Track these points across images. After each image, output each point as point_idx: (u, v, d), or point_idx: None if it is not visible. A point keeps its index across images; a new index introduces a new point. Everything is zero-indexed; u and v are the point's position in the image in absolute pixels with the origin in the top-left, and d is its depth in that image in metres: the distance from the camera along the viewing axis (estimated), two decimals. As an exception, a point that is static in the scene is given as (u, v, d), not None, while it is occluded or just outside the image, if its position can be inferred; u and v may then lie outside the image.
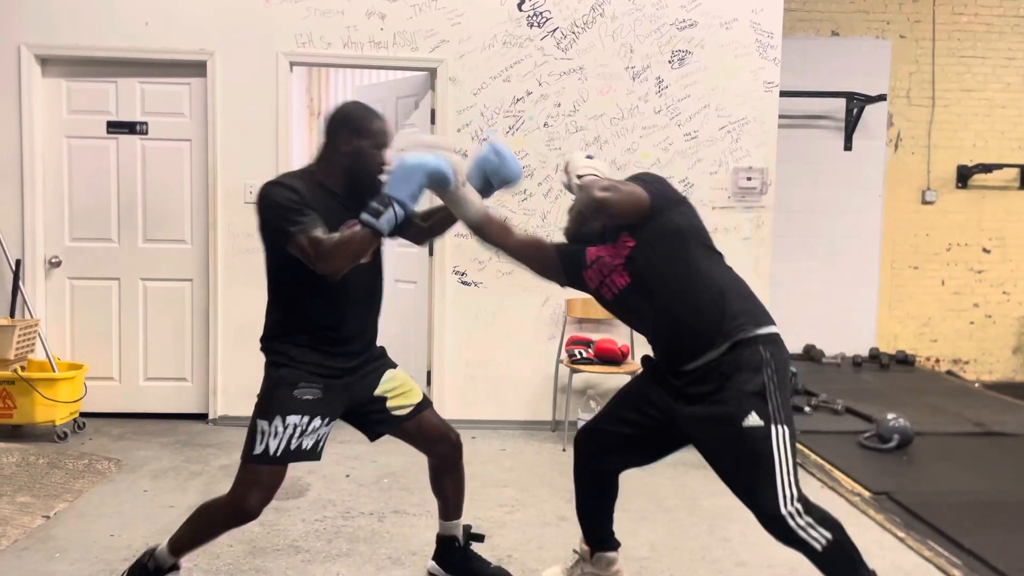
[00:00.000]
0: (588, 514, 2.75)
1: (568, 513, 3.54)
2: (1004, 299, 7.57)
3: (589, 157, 2.65)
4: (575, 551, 2.87)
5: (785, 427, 2.28)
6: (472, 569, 2.86)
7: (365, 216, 2.29)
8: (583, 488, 2.73)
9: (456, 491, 2.82)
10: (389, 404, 2.67)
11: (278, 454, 2.47)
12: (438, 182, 2.35)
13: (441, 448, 2.76)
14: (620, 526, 3.43)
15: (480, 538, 2.89)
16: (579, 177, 2.49)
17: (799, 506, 2.28)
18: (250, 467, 2.48)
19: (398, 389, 2.71)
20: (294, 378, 2.47)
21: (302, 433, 2.49)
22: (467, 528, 2.88)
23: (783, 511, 2.27)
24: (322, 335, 2.51)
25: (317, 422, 2.51)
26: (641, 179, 2.48)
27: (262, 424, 2.46)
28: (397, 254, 5.20)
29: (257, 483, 2.48)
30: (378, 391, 2.67)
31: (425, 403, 2.76)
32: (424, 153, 2.38)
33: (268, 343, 2.55)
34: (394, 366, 2.77)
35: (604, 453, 2.64)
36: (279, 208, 2.36)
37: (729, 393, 2.29)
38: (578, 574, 2.84)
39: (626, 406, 2.61)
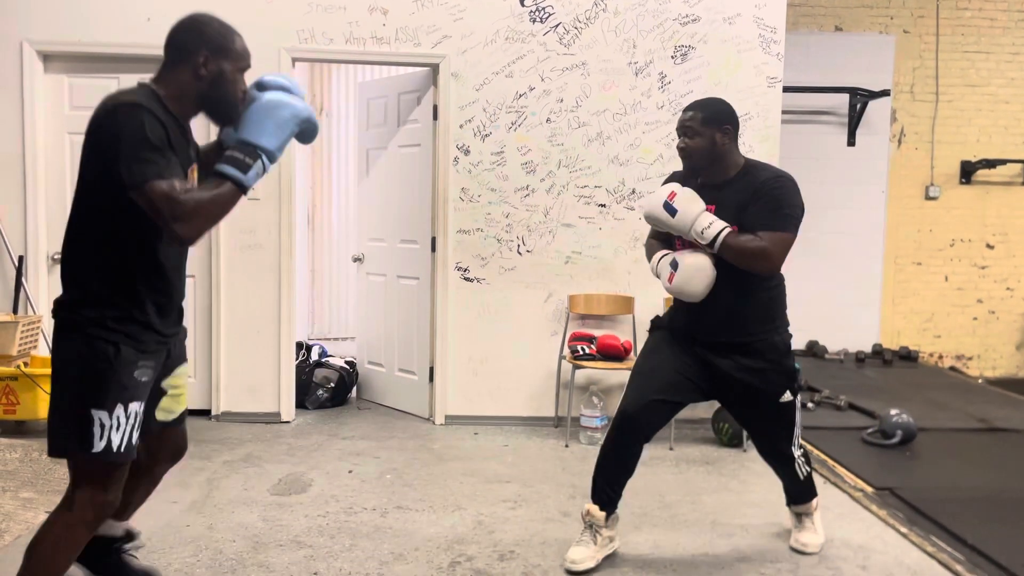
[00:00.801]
0: (619, 481, 3.01)
1: (571, 509, 3.55)
2: (1008, 295, 7.56)
3: (670, 194, 2.88)
4: (588, 523, 3.00)
5: (800, 396, 3.05)
6: (122, 568, 2.54)
7: (230, 170, 2.00)
8: (623, 462, 2.98)
9: (144, 497, 2.54)
10: (162, 403, 2.33)
11: (122, 450, 2.09)
12: (308, 134, 2.13)
13: (165, 464, 2.48)
14: (623, 521, 3.44)
15: (133, 536, 2.58)
16: (707, 237, 2.80)
17: (801, 448, 3.13)
18: (92, 467, 2.08)
19: (179, 389, 2.37)
20: (133, 357, 2.08)
21: (138, 422, 2.13)
22: (128, 529, 2.57)
23: (794, 453, 3.11)
24: (156, 305, 2.14)
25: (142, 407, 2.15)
26: (795, 215, 2.95)
27: (99, 415, 2.03)
28: (399, 249, 5.20)
29: (104, 483, 2.10)
30: (165, 381, 2.30)
31: (184, 416, 2.45)
32: (284, 94, 2.14)
33: (91, 311, 2.06)
34: (186, 359, 2.43)
35: (653, 429, 2.96)
36: (136, 140, 1.94)
37: (772, 375, 2.98)
38: (606, 544, 3.02)
39: (666, 380, 2.93)
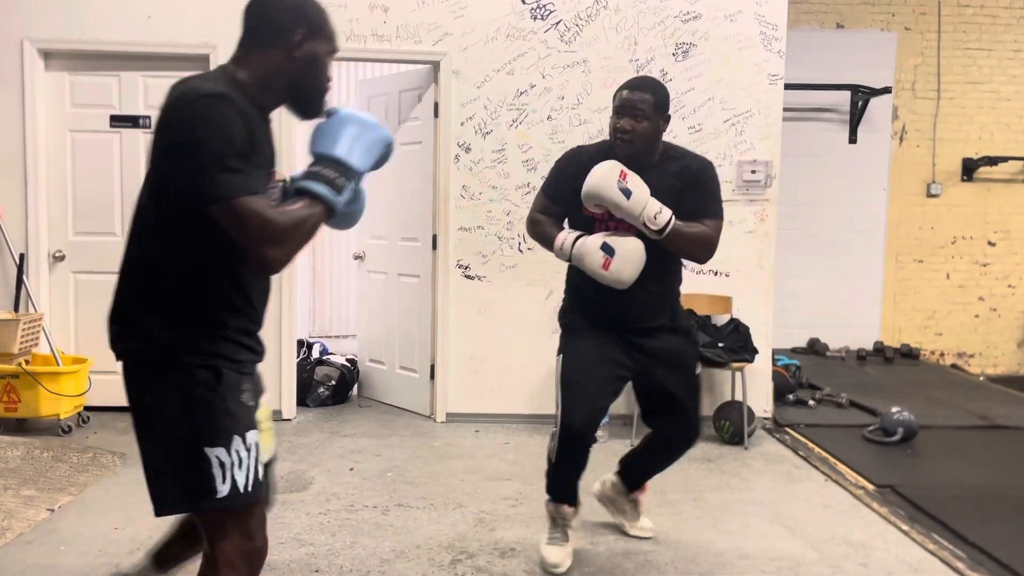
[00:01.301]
0: (578, 478, 3.01)
1: (572, 506, 3.55)
2: (1009, 292, 7.55)
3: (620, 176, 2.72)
4: (559, 522, 3.04)
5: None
6: None
7: (322, 188, 1.71)
8: (578, 466, 2.96)
9: (193, 554, 2.15)
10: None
11: (250, 488, 1.77)
12: (383, 161, 1.88)
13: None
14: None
15: None
16: (659, 223, 2.70)
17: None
18: (223, 516, 1.78)
19: (267, 423, 1.99)
20: (236, 380, 1.79)
21: (260, 453, 1.81)
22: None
23: (700, 423, 3.10)
24: (248, 325, 1.87)
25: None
26: (721, 201, 2.87)
27: (215, 453, 1.71)
28: (400, 247, 5.20)
29: (245, 530, 1.80)
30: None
31: (275, 459, 2.11)
32: (362, 113, 1.87)
33: (176, 337, 1.74)
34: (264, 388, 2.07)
35: (596, 430, 2.94)
36: (221, 143, 1.59)
37: (688, 353, 3.03)
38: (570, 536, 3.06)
39: (602, 381, 2.88)
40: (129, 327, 1.80)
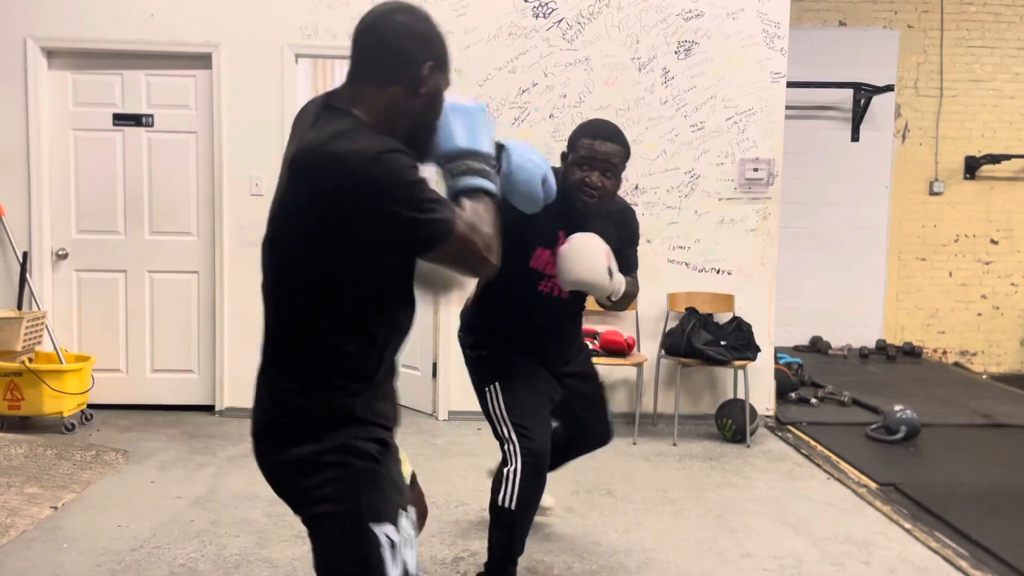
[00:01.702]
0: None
1: (574, 504, 3.55)
2: (1012, 290, 7.54)
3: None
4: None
5: None
6: None
7: (481, 181, 1.60)
8: (538, 502, 2.72)
9: None
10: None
11: (417, 571, 1.71)
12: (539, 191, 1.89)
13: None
14: (626, 517, 3.45)
15: None
16: (619, 293, 2.55)
17: None
18: None
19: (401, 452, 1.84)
20: (390, 441, 1.72)
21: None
22: None
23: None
24: (390, 367, 1.81)
25: None
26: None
27: (384, 531, 1.58)
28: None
29: None
30: None
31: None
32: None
33: (330, 399, 1.58)
34: None
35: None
36: (417, 190, 1.47)
37: (592, 371, 3.00)
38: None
39: (545, 402, 2.73)
40: (277, 388, 1.62)
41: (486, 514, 3.40)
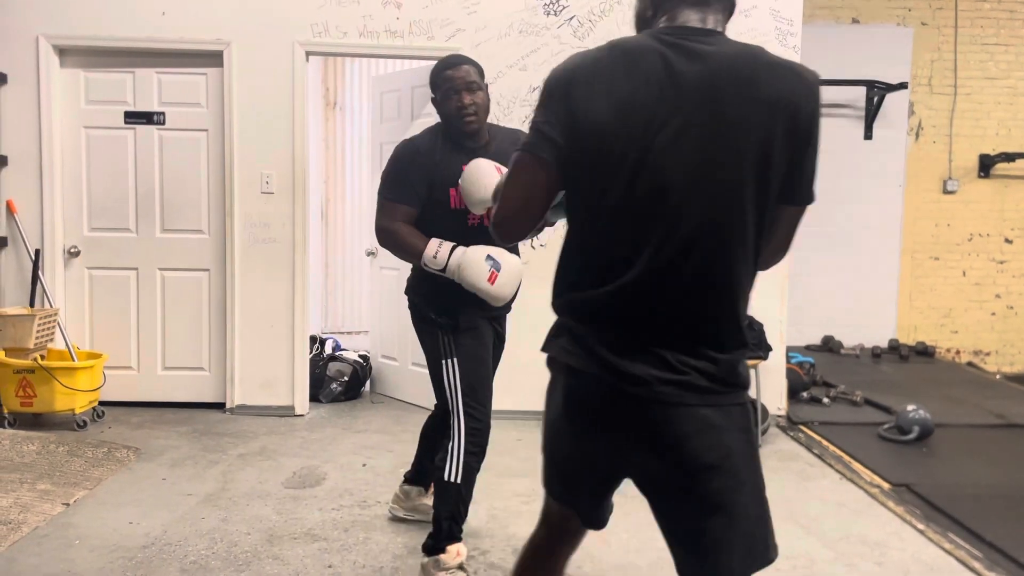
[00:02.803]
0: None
1: (584, 503, 3.54)
2: (1026, 290, 7.48)
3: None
4: (462, 567, 2.81)
5: None
6: None
7: None
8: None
9: None
10: None
11: None
12: None
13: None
14: (638, 517, 3.42)
15: None
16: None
17: None
18: None
19: None
20: None
21: None
22: None
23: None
24: None
25: None
26: None
27: None
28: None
29: None
30: None
31: None
32: None
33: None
34: None
35: None
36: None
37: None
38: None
39: (490, 377, 2.97)
40: (727, 351, 1.49)
41: (496, 512, 3.42)
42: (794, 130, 1.46)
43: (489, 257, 2.61)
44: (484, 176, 2.46)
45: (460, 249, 2.63)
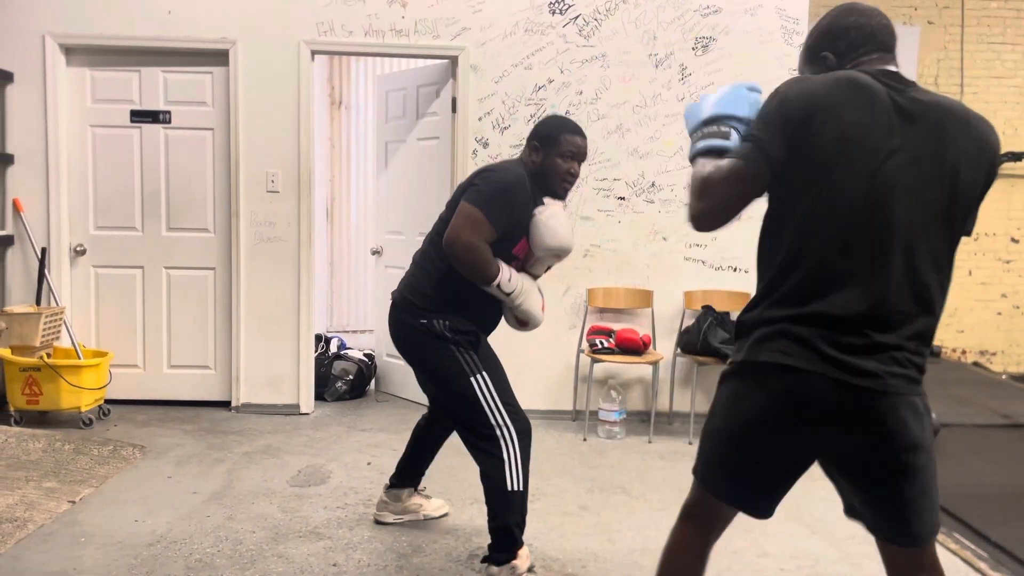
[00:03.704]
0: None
1: (588, 502, 3.54)
2: (1033, 290, 7.46)
3: None
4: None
5: None
6: None
7: (708, 143, 1.78)
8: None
9: None
10: None
11: None
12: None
13: None
14: (642, 516, 3.44)
15: None
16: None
17: None
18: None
19: None
20: None
21: None
22: None
23: None
24: None
25: None
26: None
27: None
28: (418, 242, 5.18)
29: None
30: None
31: None
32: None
33: None
34: None
35: None
36: None
37: None
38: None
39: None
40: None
41: (501, 512, 3.41)
42: (990, 171, 1.72)
43: (539, 289, 2.84)
44: (566, 225, 2.74)
45: (523, 276, 2.79)
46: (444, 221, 2.81)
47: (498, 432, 2.73)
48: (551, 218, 2.71)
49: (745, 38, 4.83)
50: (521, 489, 2.72)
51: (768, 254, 1.74)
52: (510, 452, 2.73)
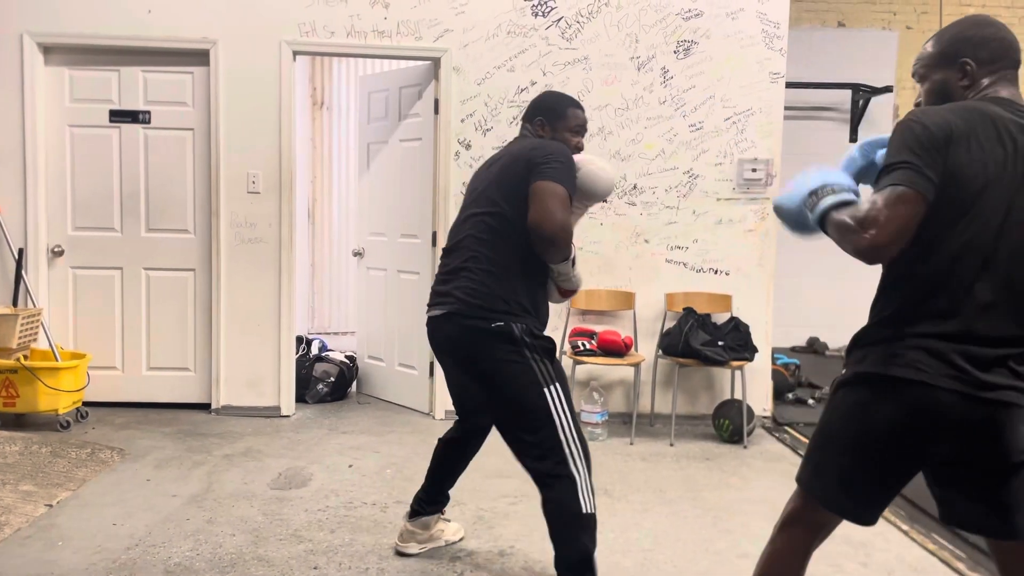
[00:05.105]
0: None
1: (571, 504, 3.54)
2: (1009, 292, 7.54)
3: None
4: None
5: None
6: None
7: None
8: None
9: None
10: None
11: None
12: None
13: None
14: (623, 517, 3.44)
15: None
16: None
17: None
18: None
19: None
20: None
21: None
22: None
23: None
24: None
25: None
26: None
27: None
28: (400, 244, 5.19)
29: None
30: None
31: None
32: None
33: None
34: None
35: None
36: None
37: None
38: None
39: None
40: None
41: (483, 513, 3.41)
42: None
43: None
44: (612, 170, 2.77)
45: None
46: (484, 215, 2.59)
47: (567, 450, 2.47)
48: (599, 168, 2.68)
49: (726, 42, 4.86)
50: (595, 512, 2.49)
51: (906, 274, 1.84)
52: (579, 472, 2.47)
